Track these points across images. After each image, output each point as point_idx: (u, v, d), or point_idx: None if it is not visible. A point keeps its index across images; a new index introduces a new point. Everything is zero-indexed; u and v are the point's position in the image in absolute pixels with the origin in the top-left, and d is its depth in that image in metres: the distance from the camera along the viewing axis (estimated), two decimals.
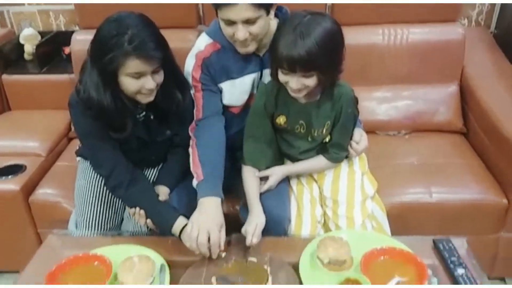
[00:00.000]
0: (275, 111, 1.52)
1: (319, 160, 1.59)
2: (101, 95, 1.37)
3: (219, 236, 1.34)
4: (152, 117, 1.54)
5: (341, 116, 1.48)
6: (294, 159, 1.62)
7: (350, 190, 1.58)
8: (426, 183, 1.77)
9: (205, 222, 1.33)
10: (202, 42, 1.58)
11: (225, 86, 1.59)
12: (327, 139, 1.54)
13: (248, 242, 1.35)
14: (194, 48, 1.59)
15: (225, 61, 1.56)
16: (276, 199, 1.55)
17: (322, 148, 1.57)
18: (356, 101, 1.50)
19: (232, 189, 1.71)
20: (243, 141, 1.58)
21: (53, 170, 1.97)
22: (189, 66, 1.58)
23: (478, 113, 1.97)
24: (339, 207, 1.56)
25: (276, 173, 1.57)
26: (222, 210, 1.41)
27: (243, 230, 1.38)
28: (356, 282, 1.23)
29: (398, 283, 1.22)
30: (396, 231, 1.58)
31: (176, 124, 1.58)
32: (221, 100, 1.61)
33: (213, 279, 1.25)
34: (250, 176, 1.55)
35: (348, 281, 1.23)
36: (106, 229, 1.61)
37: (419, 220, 1.72)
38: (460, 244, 1.38)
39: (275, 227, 1.50)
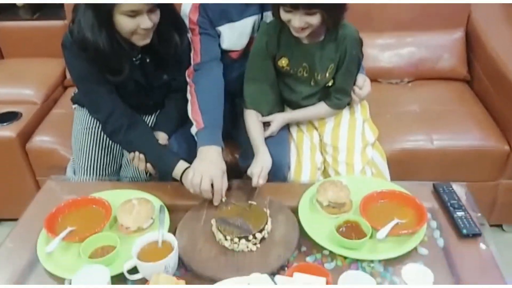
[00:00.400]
0: (277, 52, 1.47)
1: (321, 107, 1.56)
2: (96, 36, 1.32)
3: (222, 182, 1.33)
4: (148, 60, 1.49)
5: (345, 59, 1.43)
6: (295, 106, 1.59)
7: (351, 136, 1.56)
8: (427, 130, 1.75)
9: (208, 169, 1.32)
10: None
11: (224, 29, 1.53)
12: (330, 83, 1.51)
13: (254, 183, 1.34)
14: None
15: (224, 3, 1.49)
16: (276, 145, 1.53)
17: (324, 94, 1.54)
18: (361, 43, 1.45)
19: (231, 137, 1.69)
20: (244, 84, 1.54)
21: (49, 117, 1.94)
22: (186, 8, 1.52)
23: (483, 60, 1.92)
24: (339, 153, 1.54)
25: (278, 119, 1.55)
26: (223, 158, 1.39)
27: (249, 172, 1.37)
28: (355, 224, 1.23)
29: (397, 225, 1.22)
30: (396, 178, 1.57)
31: (173, 68, 1.54)
32: (219, 45, 1.56)
33: (213, 221, 1.25)
34: (253, 119, 1.52)
35: (347, 223, 1.23)
36: (105, 175, 1.60)
37: (419, 167, 1.71)
38: (460, 188, 1.37)
39: (275, 173, 1.48)
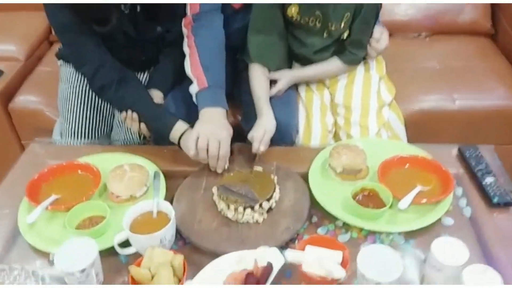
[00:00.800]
0: None
1: (334, 63, 1.40)
2: None
3: (229, 147, 1.19)
4: (139, 9, 1.32)
5: (362, 7, 1.27)
6: (305, 61, 1.43)
7: (365, 96, 1.42)
8: (448, 88, 1.60)
9: (215, 132, 1.17)
10: None
11: None
12: (345, 35, 1.34)
13: (254, 149, 1.20)
14: None
15: None
16: (283, 106, 1.38)
17: (338, 48, 1.38)
18: None
19: (232, 97, 1.54)
20: (248, 35, 1.37)
21: (33, 75, 1.78)
22: None
23: (510, 12, 1.74)
24: (352, 114, 1.40)
25: (286, 76, 1.39)
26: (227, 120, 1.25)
27: (249, 136, 1.23)
28: (373, 192, 1.10)
29: (420, 192, 1.09)
30: (413, 141, 1.43)
31: (167, 19, 1.37)
32: None
33: (214, 189, 1.12)
34: (258, 75, 1.36)
35: (364, 190, 1.11)
36: (94, 138, 1.46)
37: (439, 129, 1.57)
38: (488, 152, 1.24)
39: (281, 137, 1.34)
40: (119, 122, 1.46)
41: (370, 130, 1.37)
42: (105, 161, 1.21)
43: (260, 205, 1.06)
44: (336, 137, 1.43)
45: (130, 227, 0.99)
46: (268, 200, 1.07)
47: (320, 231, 1.08)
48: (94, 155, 1.25)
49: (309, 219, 1.10)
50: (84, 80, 1.46)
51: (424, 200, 1.07)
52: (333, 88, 1.45)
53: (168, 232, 0.97)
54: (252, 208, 1.05)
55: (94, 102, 1.47)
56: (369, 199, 1.09)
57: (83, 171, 1.19)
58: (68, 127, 1.46)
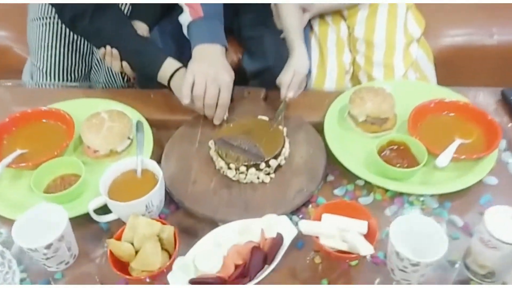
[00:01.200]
0: None
1: None
2: None
3: (230, 93, 0.99)
4: None
5: None
6: None
7: (391, 29, 1.19)
8: (485, 20, 1.35)
9: (214, 75, 0.96)
10: None
11: None
12: None
13: (282, 95, 0.99)
14: None
15: None
16: None
17: None
18: None
19: (231, 30, 1.30)
20: None
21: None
22: None
23: None
24: (374, 51, 1.18)
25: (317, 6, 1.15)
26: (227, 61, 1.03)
27: (277, 80, 1.00)
28: (403, 146, 0.91)
29: (460, 146, 0.90)
30: (444, 84, 1.23)
31: None
32: None
33: (211, 143, 0.93)
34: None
35: (391, 144, 0.92)
36: (71, 80, 1.25)
37: (474, 69, 1.35)
38: None
39: None
40: (98, 61, 1.24)
41: (396, 71, 1.16)
42: (81, 107, 1.02)
43: (267, 163, 0.87)
44: (354, 79, 1.22)
45: (109, 190, 0.82)
46: (276, 157, 0.89)
47: (338, 192, 0.91)
48: (68, 101, 1.05)
49: (324, 178, 0.92)
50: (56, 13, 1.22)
51: (464, 156, 0.89)
52: (352, 20, 1.22)
53: (154, 196, 0.80)
54: (257, 166, 0.87)
55: (69, 37, 1.24)
56: (398, 155, 0.91)
57: (54, 120, 0.99)
58: (40, 67, 1.24)
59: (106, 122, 0.92)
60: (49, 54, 1.24)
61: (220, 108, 0.97)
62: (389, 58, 1.17)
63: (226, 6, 1.21)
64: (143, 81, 1.16)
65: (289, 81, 0.98)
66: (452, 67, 1.31)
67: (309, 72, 1.18)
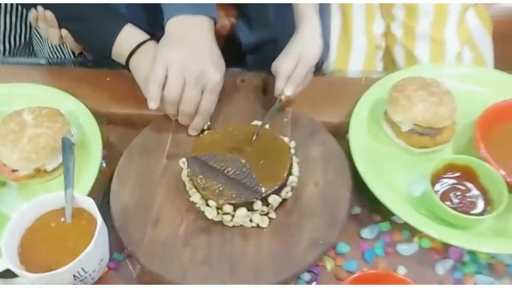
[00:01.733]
0: None
1: None
2: None
3: (216, 96, 0.68)
4: None
5: None
6: None
7: None
8: None
9: (198, 69, 0.65)
10: None
11: None
12: None
13: (277, 90, 0.68)
14: None
15: None
16: None
17: None
18: None
19: None
20: None
21: None
22: None
23: None
24: (419, 19, 0.86)
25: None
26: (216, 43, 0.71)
27: (273, 67, 0.69)
28: (468, 171, 0.61)
29: None
30: (502, 65, 0.91)
31: None
32: None
33: (182, 162, 0.63)
34: None
35: (451, 169, 0.62)
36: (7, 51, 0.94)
37: None
38: None
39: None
40: (34, 32, 0.92)
41: (448, 48, 0.85)
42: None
43: (265, 200, 0.58)
44: (388, 58, 0.90)
45: (22, 245, 0.53)
46: (279, 190, 0.59)
47: (367, 234, 0.63)
48: None
49: (348, 211, 0.63)
50: None
51: None
52: None
53: (88, 259, 0.51)
54: (250, 206, 0.57)
55: None
56: (460, 187, 0.61)
57: None
58: None
59: (29, 128, 0.62)
60: None
61: (201, 117, 0.67)
62: (439, 29, 0.86)
63: None
64: (98, 59, 0.84)
65: (289, 70, 0.66)
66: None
67: (328, 48, 0.87)
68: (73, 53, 0.90)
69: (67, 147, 0.59)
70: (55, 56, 0.94)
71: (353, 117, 0.70)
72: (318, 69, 0.86)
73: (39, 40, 0.96)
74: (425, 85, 0.66)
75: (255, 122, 0.67)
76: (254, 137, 0.63)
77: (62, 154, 0.60)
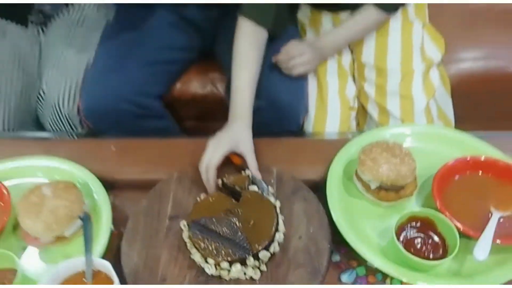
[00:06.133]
0: None
1: (367, 15, 0.96)
2: None
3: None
4: None
5: None
6: (332, 6, 1.00)
7: (406, 52, 0.99)
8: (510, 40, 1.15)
9: None
10: None
11: None
12: None
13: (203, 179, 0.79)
14: None
15: None
16: (284, 75, 0.96)
17: None
18: None
19: (212, 54, 1.10)
20: None
21: None
22: None
23: None
24: (388, 79, 0.99)
25: (308, 59, 0.95)
26: None
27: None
28: (427, 221, 0.72)
29: (499, 221, 0.71)
30: (462, 122, 1.03)
31: None
32: None
33: (183, 225, 0.73)
34: (246, 43, 0.87)
35: (413, 219, 0.72)
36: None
37: (498, 101, 1.14)
38: None
39: (284, 122, 0.95)
40: (43, 93, 1.03)
41: (416, 103, 0.97)
42: (19, 170, 0.82)
43: (256, 256, 0.68)
44: (361, 115, 1.02)
45: None
46: (268, 246, 0.69)
47: (346, 278, 0.73)
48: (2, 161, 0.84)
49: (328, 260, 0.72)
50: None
51: (499, 241, 0.69)
52: (358, 43, 1.02)
53: None
54: (243, 261, 0.67)
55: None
56: (422, 235, 0.71)
57: None
58: None
59: (49, 201, 0.72)
60: None
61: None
62: (407, 87, 0.98)
63: (208, 25, 1.01)
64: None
65: (205, 163, 0.77)
66: (469, 98, 1.10)
67: (306, 111, 0.99)
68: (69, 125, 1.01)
69: (86, 221, 0.69)
70: (56, 121, 1.04)
71: (329, 175, 0.81)
72: (300, 129, 0.98)
73: (42, 105, 1.06)
74: (388, 148, 0.77)
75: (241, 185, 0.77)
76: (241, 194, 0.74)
77: (83, 227, 0.69)
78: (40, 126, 1.09)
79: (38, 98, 1.07)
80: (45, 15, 1.13)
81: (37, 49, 1.12)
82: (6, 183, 0.79)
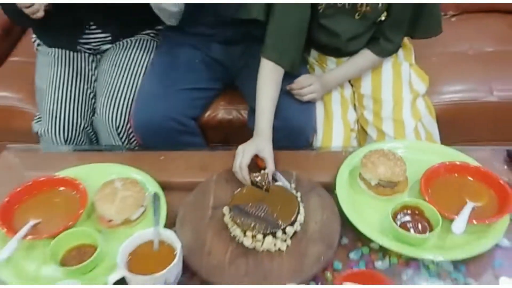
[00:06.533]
0: None
1: (366, 57, 1.21)
2: None
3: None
4: None
5: None
6: (335, 52, 1.25)
7: (397, 85, 1.23)
8: (484, 77, 1.40)
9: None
10: None
11: None
12: (382, 17, 1.14)
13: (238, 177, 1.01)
14: None
15: None
16: (297, 103, 1.19)
17: (372, 35, 1.19)
18: None
19: (238, 85, 1.34)
20: (269, 22, 1.12)
21: (4, 68, 1.53)
22: None
23: None
24: (383, 107, 1.21)
25: (314, 90, 1.18)
26: None
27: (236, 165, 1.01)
28: (417, 210, 0.92)
29: (473, 210, 0.91)
30: (446, 141, 1.24)
31: None
32: None
33: (225, 210, 0.93)
34: (268, 78, 1.11)
35: (404, 208, 0.92)
36: (77, 123, 1.27)
37: (475, 125, 1.37)
38: None
39: (296, 138, 1.17)
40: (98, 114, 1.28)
41: (407, 125, 1.18)
42: (91, 173, 1.02)
43: (283, 230, 0.88)
44: (362, 135, 1.24)
45: (127, 263, 0.81)
46: (292, 223, 0.89)
47: (353, 256, 0.91)
48: (78, 166, 1.05)
49: (339, 240, 0.92)
50: (61, 61, 1.33)
51: (482, 220, 0.90)
52: (357, 79, 1.26)
53: (173, 270, 0.79)
54: (274, 234, 0.87)
55: (75, 84, 1.31)
56: (412, 219, 0.91)
57: (66, 188, 0.99)
58: (47, 110, 1.27)
59: (120, 192, 0.92)
60: (54, 98, 1.28)
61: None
62: (398, 113, 1.20)
63: (230, 62, 1.24)
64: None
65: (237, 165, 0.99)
66: (453, 124, 1.33)
67: (315, 131, 1.21)
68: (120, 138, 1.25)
69: (157, 199, 0.90)
70: (111, 141, 1.27)
71: (338, 178, 1.01)
72: (310, 146, 1.20)
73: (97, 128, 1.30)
74: (384, 154, 0.98)
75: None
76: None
77: (154, 203, 0.90)
78: (91, 140, 1.32)
79: (93, 115, 1.30)
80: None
81: (92, 71, 1.37)
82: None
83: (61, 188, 0.99)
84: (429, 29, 1.20)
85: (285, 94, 1.16)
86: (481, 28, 1.57)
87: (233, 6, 1.15)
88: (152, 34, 1.41)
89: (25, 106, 1.41)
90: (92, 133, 1.32)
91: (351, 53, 1.23)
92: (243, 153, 1.00)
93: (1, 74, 1.51)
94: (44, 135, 1.26)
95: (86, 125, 1.30)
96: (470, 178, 0.98)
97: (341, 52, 1.22)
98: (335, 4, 1.11)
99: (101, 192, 0.93)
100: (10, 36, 1.61)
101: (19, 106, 1.41)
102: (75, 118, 1.27)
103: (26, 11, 1.08)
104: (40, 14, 1.10)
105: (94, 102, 1.32)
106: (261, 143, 1.03)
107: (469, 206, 0.91)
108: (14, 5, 1.09)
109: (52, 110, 1.27)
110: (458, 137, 1.25)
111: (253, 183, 0.96)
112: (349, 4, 1.10)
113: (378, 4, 1.10)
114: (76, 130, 1.27)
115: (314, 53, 1.32)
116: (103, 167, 1.05)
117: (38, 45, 1.40)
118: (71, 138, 1.26)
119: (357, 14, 1.12)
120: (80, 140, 1.28)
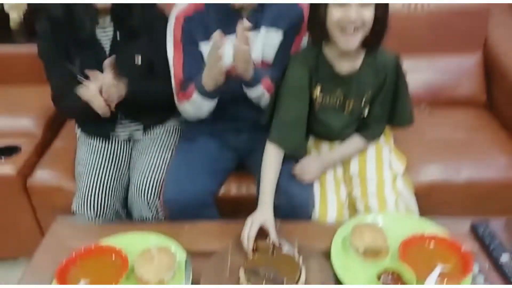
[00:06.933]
0: (314, 81, 1.40)
1: (356, 143, 1.49)
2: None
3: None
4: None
5: (384, 84, 1.39)
6: (328, 138, 1.54)
7: (379, 166, 1.48)
8: (453, 160, 1.65)
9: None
10: None
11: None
12: (365, 113, 1.45)
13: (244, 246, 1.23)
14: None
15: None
16: (298, 182, 1.43)
17: (360, 125, 1.49)
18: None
19: (248, 165, 1.60)
20: (275, 115, 1.41)
21: (51, 151, 1.78)
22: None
23: (503, 85, 1.86)
24: (368, 185, 1.45)
25: (313, 172, 1.44)
26: None
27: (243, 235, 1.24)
28: (396, 272, 1.13)
29: (442, 272, 1.12)
30: (424, 213, 1.48)
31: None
32: None
33: (241, 272, 1.14)
34: (272, 159, 1.38)
35: (387, 270, 1.14)
36: (111, 199, 1.51)
37: (449, 201, 1.61)
38: (500, 226, 1.29)
39: (298, 212, 1.40)
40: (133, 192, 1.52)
41: (388, 201, 1.41)
42: (129, 242, 1.24)
43: None
44: (352, 208, 1.47)
45: None
46: (296, 283, 1.10)
47: None
48: (117, 235, 1.27)
49: None
50: (100, 145, 1.61)
51: (445, 280, 1.11)
52: (347, 161, 1.52)
53: None
54: None
55: (109, 167, 1.57)
56: (393, 280, 1.12)
57: (110, 254, 1.20)
58: (84, 188, 1.51)
59: (156, 257, 1.14)
60: (91, 178, 1.53)
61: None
62: (381, 191, 1.44)
63: (241, 146, 1.53)
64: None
65: (247, 232, 1.23)
66: (430, 199, 1.56)
67: (313, 205, 1.44)
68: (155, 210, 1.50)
69: (188, 264, 1.12)
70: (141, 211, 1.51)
71: (333, 245, 1.23)
72: (309, 217, 1.43)
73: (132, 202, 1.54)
74: (369, 226, 1.22)
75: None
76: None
77: (185, 268, 1.11)
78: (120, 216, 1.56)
79: (128, 189, 1.55)
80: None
81: (126, 157, 1.63)
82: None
83: (106, 254, 1.20)
84: (404, 120, 1.49)
85: (288, 176, 1.42)
86: (449, 119, 1.85)
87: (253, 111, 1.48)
88: (176, 121, 1.70)
89: (68, 186, 1.63)
90: (121, 211, 1.56)
91: (342, 139, 1.50)
92: (251, 224, 1.23)
93: (48, 157, 1.75)
94: (78, 211, 1.49)
95: (117, 205, 1.53)
96: (439, 246, 1.20)
97: (333, 138, 1.51)
98: (329, 103, 1.41)
99: (141, 258, 1.15)
100: (53, 125, 1.90)
101: (63, 185, 1.64)
102: (105, 199, 1.51)
103: (100, 111, 1.39)
104: (108, 114, 1.40)
105: (127, 184, 1.57)
106: (264, 213, 1.28)
107: (437, 268, 1.13)
108: (88, 110, 1.39)
109: (87, 192, 1.50)
110: (434, 209, 1.47)
111: (261, 248, 1.18)
112: (339, 103, 1.41)
113: (361, 103, 1.41)
114: (106, 208, 1.50)
115: (311, 139, 1.59)
116: (138, 237, 1.27)
117: (80, 132, 1.67)
118: (100, 215, 1.49)
119: (345, 111, 1.42)
120: (108, 217, 1.51)
